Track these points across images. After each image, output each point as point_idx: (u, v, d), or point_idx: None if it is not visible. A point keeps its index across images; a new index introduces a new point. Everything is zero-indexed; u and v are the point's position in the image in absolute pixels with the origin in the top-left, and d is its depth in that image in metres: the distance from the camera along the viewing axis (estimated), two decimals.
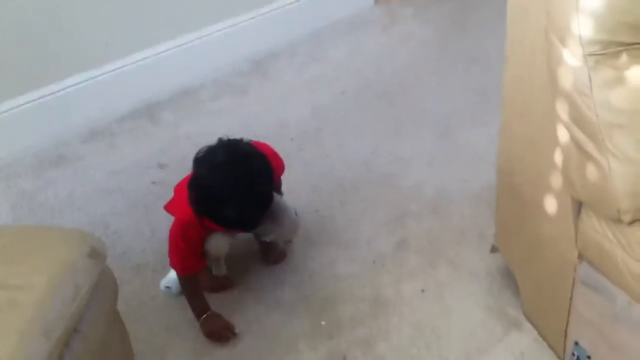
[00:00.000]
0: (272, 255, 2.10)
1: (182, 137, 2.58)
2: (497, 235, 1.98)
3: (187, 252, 1.81)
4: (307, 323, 1.92)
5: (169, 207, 1.89)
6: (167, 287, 2.00)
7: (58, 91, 2.56)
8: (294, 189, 2.24)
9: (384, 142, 2.54)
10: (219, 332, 1.89)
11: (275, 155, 1.92)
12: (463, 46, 3.06)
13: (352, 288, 2.00)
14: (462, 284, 2.00)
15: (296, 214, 2.02)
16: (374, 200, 2.30)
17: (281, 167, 1.97)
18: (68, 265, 1.33)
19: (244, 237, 2.07)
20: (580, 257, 1.53)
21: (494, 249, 2.02)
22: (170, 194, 2.30)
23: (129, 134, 2.62)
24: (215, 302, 1.94)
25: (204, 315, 1.89)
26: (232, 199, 1.63)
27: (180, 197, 1.86)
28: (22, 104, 2.50)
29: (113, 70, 2.65)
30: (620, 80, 1.30)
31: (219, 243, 1.87)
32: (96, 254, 1.41)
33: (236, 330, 1.89)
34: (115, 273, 2.02)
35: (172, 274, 2.00)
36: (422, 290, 1.99)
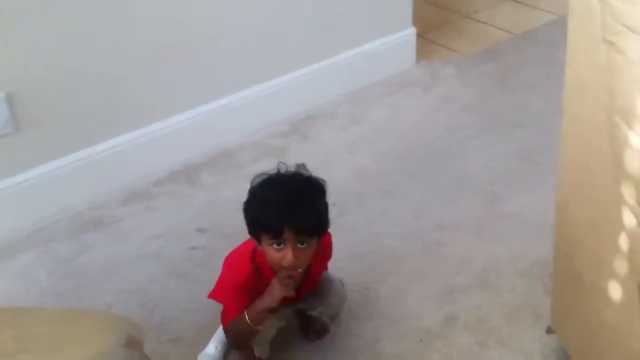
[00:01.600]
0: (314, 330, 2.02)
1: (221, 200, 2.53)
2: (553, 317, 1.88)
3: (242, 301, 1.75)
4: None
5: (215, 293, 1.83)
6: None
7: (97, 153, 2.53)
8: (337, 258, 2.14)
9: (428, 209, 2.47)
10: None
11: (328, 237, 1.88)
12: (506, 109, 3.00)
13: None
14: None
15: (342, 285, 1.95)
16: (420, 271, 2.22)
17: (329, 251, 1.93)
18: (103, 358, 1.27)
19: (286, 315, 1.99)
20: None
21: (549, 330, 1.93)
22: (210, 260, 2.27)
23: (168, 197, 2.57)
24: None
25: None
26: (288, 186, 1.66)
27: (228, 268, 1.82)
28: (60, 166, 2.47)
29: (152, 132, 2.62)
30: None
31: (267, 323, 1.79)
32: (133, 342, 1.34)
33: None
34: (152, 346, 2.01)
35: (210, 349, 1.93)
36: None
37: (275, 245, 1.63)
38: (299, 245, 1.63)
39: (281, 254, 1.63)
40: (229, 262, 1.85)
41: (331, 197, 2.52)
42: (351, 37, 3.08)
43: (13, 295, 2.19)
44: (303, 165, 1.77)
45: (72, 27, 2.33)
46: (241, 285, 1.75)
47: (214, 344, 1.94)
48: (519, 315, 2.04)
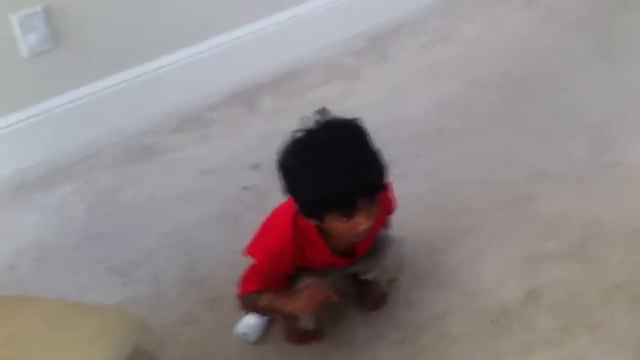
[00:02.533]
0: (370, 298, 1.74)
1: (281, 130, 2.19)
2: None
3: (265, 276, 1.53)
4: None
5: (250, 250, 1.56)
6: (244, 333, 1.70)
7: (147, 73, 2.29)
8: (405, 207, 1.83)
9: (522, 153, 2.09)
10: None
11: (390, 189, 1.57)
12: (632, 27, 2.49)
13: (467, 355, 1.62)
14: None
15: (403, 244, 1.65)
16: (503, 230, 1.88)
17: (393, 205, 1.63)
18: None
19: (339, 279, 1.72)
20: None
21: None
22: (262, 203, 2.01)
23: (224, 124, 2.31)
24: (298, 357, 1.62)
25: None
26: (336, 150, 1.35)
27: (267, 228, 1.56)
28: (107, 87, 2.24)
29: (209, 49, 2.35)
30: None
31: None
32: (139, 355, 1.11)
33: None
34: (188, 305, 1.81)
35: (250, 319, 1.70)
36: None
37: (344, 219, 1.36)
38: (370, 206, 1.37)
39: (352, 224, 1.37)
40: (269, 220, 1.58)
41: (405, 133, 2.21)
42: None
43: (48, 232, 2.02)
44: (324, 110, 1.43)
45: None
46: (275, 252, 1.50)
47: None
48: (616, 295, 1.69)
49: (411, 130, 2.19)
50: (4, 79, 2.10)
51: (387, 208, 1.59)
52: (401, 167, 2.04)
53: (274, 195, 2.00)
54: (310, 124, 1.39)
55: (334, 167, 1.33)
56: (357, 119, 1.41)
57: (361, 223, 1.36)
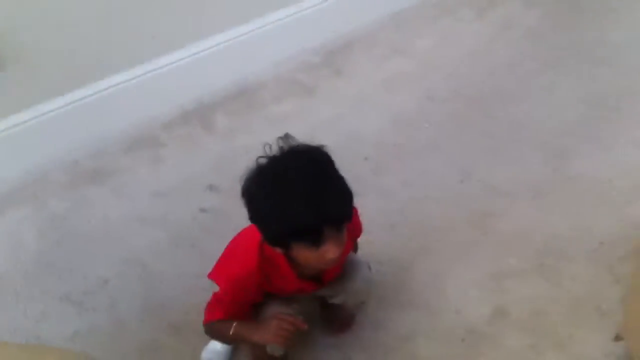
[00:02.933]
0: (337, 321, 1.72)
1: (238, 150, 2.19)
2: (625, 326, 1.54)
3: (229, 303, 1.48)
4: None
5: (215, 275, 1.51)
6: (209, 359, 1.65)
7: (96, 92, 2.20)
8: (367, 228, 1.81)
9: (479, 168, 2.09)
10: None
11: (356, 213, 1.54)
12: (579, 39, 2.53)
13: None
14: None
15: (370, 269, 1.62)
16: (465, 249, 1.88)
17: (359, 229, 1.60)
18: None
19: (305, 303, 1.68)
20: None
21: (618, 338, 1.59)
22: (220, 226, 1.97)
23: (177, 144, 2.24)
24: None
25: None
26: (301, 181, 1.30)
27: (232, 253, 1.51)
28: (54, 109, 2.15)
29: (160, 67, 2.27)
30: None
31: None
32: None
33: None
34: (150, 334, 1.74)
35: (215, 344, 1.65)
36: None
37: (313, 248, 1.32)
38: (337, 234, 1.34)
39: (320, 252, 1.33)
40: (234, 245, 1.53)
41: (364, 150, 2.19)
42: None
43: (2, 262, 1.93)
44: (287, 136, 1.37)
45: None
46: (239, 280, 1.45)
47: None
48: (581, 311, 1.71)
49: (369, 146, 2.17)
50: None
51: (354, 233, 1.57)
52: (360, 185, 2.02)
53: (232, 217, 1.96)
54: (273, 150, 1.34)
55: (298, 198, 1.28)
56: (321, 146, 1.37)
57: (329, 252, 1.33)
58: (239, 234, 1.54)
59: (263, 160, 1.34)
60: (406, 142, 2.19)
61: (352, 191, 1.36)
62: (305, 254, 1.34)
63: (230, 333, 1.46)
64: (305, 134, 2.13)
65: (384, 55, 2.51)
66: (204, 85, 2.37)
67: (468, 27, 2.62)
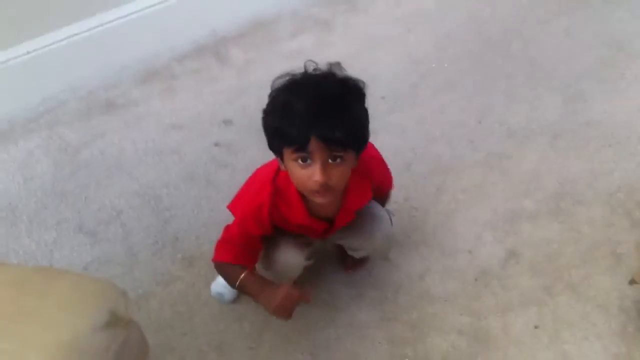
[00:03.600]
0: (350, 259, 1.72)
1: (252, 85, 2.17)
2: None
3: (240, 244, 1.47)
4: (386, 355, 1.56)
5: (232, 206, 1.51)
6: (219, 292, 1.66)
7: (109, 22, 2.16)
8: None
9: (496, 108, 2.07)
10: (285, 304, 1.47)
11: (383, 165, 1.54)
12: None
13: (447, 314, 1.62)
14: (587, 320, 1.59)
15: (392, 223, 1.60)
16: (479, 189, 1.87)
17: (385, 181, 1.59)
18: (74, 348, 0.99)
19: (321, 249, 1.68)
20: None
21: (633, 282, 1.60)
22: (235, 160, 1.97)
23: (191, 77, 2.22)
24: (275, 318, 1.60)
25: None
26: (315, 92, 1.27)
27: (249, 186, 1.50)
28: (67, 37, 2.12)
29: None
30: None
31: (289, 260, 1.50)
32: (116, 320, 1.06)
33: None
34: (163, 266, 1.75)
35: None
36: (536, 327, 1.59)
37: (300, 162, 1.28)
38: (330, 162, 1.28)
39: (308, 171, 1.29)
40: (252, 178, 1.52)
41: (380, 89, 2.16)
42: None
43: (11, 190, 1.93)
44: (338, 65, 1.35)
45: None
46: (253, 209, 1.43)
47: None
48: (596, 254, 1.71)
49: (385, 86, 2.14)
50: None
51: (375, 181, 1.52)
52: (376, 123, 2.01)
53: (247, 151, 1.96)
54: (313, 67, 1.33)
55: (302, 98, 1.25)
56: (361, 81, 1.33)
57: (315, 174, 1.28)
58: (259, 168, 1.53)
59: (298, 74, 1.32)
60: (423, 81, 2.15)
61: (367, 129, 1.33)
62: (294, 168, 1.30)
63: (237, 284, 1.46)
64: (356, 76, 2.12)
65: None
66: (219, 18, 2.33)
67: None
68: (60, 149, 2.03)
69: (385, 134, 1.96)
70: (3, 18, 1.99)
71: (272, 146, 1.34)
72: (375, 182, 1.51)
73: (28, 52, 2.08)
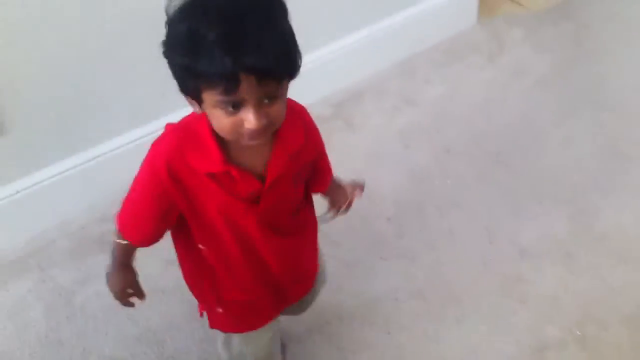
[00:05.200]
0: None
1: None
2: None
3: (139, 204, 1.20)
4: None
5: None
6: None
7: (100, 155, 2.09)
8: (395, 294, 1.77)
9: (504, 226, 2.02)
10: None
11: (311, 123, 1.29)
12: (589, 84, 2.49)
13: None
14: None
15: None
16: (499, 319, 1.80)
17: (320, 142, 1.34)
18: None
19: None
20: None
21: None
22: None
23: None
24: None
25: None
26: (229, 6, 0.98)
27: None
28: (56, 174, 2.03)
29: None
30: None
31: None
32: None
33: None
34: None
35: None
36: None
37: (230, 108, 1.01)
38: (266, 101, 1.03)
39: (237, 117, 1.03)
40: (140, 170, 1.20)
41: (386, 210, 2.11)
42: None
43: (3, 342, 1.80)
44: None
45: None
46: (156, 158, 1.13)
47: None
48: None
49: (390, 206, 2.09)
50: None
51: (309, 125, 1.26)
52: (385, 250, 1.96)
53: None
54: None
55: (216, 24, 0.96)
56: None
57: (248, 120, 1.02)
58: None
59: None
60: (428, 199, 2.11)
61: (298, 49, 1.05)
62: (217, 114, 1.04)
63: (114, 242, 1.27)
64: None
65: (394, 106, 2.44)
66: None
67: (479, 75, 2.56)
68: (54, 292, 1.91)
69: (395, 261, 1.91)
70: None
71: (184, 88, 1.05)
72: (308, 126, 1.26)
73: (17, 192, 1.99)
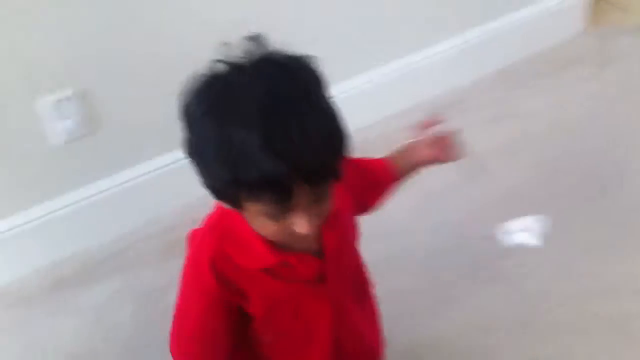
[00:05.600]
0: None
1: None
2: None
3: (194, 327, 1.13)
4: None
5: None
6: None
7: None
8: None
9: (610, 259, 1.87)
10: None
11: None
12: None
13: None
14: None
15: None
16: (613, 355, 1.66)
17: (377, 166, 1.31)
18: None
19: None
20: None
21: None
22: None
23: None
24: None
25: None
26: (265, 102, 0.83)
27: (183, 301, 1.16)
28: (145, 173, 2.02)
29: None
30: None
31: None
32: None
33: None
34: None
35: None
36: None
37: (278, 216, 0.91)
38: (314, 203, 0.91)
39: (285, 224, 0.92)
40: (184, 284, 1.13)
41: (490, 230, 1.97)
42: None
43: (88, 341, 1.77)
44: (260, 37, 0.91)
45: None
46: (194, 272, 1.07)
47: None
48: None
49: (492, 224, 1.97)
50: (33, 168, 1.86)
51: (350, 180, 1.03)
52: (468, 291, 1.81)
53: None
54: (235, 53, 0.89)
55: (255, 127, 0.82)
56: (310, 56, 0.91)
57: (298, 226, 0.91)
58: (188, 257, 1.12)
59: (219, 67, 0.89)
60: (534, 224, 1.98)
61: (348, 133, 0.91)
62: (262, 222, 0.93)
63: None
64: (410, 208, 1.91)
65: (494, 117, 2.32)
66: None
67: (585, 87, 2.41)
68: (143, 294, 1.88)
69: (485, 302, 1.78)
70: (77, 158, 1.89)
71: (220, 197, 0.94)
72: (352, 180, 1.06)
73: (107, 189, 1.98)
